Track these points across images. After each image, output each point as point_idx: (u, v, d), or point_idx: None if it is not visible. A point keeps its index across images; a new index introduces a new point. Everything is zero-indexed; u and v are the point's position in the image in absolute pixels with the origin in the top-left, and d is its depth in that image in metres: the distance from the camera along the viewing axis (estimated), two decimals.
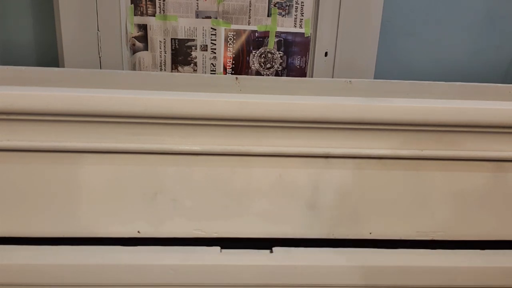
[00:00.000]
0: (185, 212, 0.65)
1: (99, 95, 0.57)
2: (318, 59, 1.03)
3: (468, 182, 0.67)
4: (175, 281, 0.65)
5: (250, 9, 1.00)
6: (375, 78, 1.06)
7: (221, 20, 1.01)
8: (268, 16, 1.01)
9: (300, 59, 1.04)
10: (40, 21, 1.03)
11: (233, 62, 1.04)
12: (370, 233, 0.68)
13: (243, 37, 1.02)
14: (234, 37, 1.02)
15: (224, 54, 1.03)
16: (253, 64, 1.04)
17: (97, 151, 0.61)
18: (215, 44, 1.02)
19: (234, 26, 1.01)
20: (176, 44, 1.02)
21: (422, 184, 0.66)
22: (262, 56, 1.03)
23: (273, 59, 1.04)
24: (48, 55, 1.05)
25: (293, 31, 1.03)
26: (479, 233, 0.69)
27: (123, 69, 1.01)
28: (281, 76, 1.05)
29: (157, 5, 0.99)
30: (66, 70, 0.66)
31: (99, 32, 0.98)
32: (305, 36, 1.03)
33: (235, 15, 1.01)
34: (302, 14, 1.02)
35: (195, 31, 1.01)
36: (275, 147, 0.62)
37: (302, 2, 1.01)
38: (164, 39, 1.01)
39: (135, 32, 1.01)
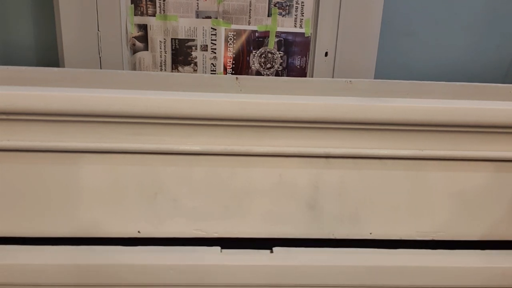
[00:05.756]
0: (185, 212, 0.65)
1: (99, 95, 0.57)
2: (318, 59, 1.03)
3: (468, 182, 0.67)
4: (175, 281, 0.65)
5: (250, 9, 1.00)
6: (375, 78, 1.05)
7: (221, 20, 1.01)
8: (268, 16, 1.01)
9: (300, 59, 1.04)
10: (40, 21, 1.03)
11: (233, 62, 1.04)
12: (370, 233, 0.68)
13: (243, 37, 1.02)
14: (234, 37, 1.02)
15: (224, 54, 1.03)
16: (253, 64, 1.04)
17: (97, 151, 0.61)
18: (215, 44, 1.02)
19: (234, 26, 1.01)
20: (176, 44, 1.02)
21: (422, 184, 0.66)
22: (262, 56, 1.03)
23: (273, 59, 1.04)
24: (48, 55, 1.05)
25: (293, 31, 1.03)
26: (479, 233, 0.69)
27: (123, 69, 1.01)
28: (281, 76, 1.05)
29: (157, 5, 0.99)
30: (66, 70, 0.66)
31: (99, 32, 0.98)
32: (305, 36, 1.03)
33: (235, 15, 1.01)
34: (302, 14, 1.02)
35: (195, 31, 1.01)
36: (275, 147, 0.62)
37: (302, 2, 1.01)
38: (164, 39, 1.01)
39: (135, 32, 1.01)
